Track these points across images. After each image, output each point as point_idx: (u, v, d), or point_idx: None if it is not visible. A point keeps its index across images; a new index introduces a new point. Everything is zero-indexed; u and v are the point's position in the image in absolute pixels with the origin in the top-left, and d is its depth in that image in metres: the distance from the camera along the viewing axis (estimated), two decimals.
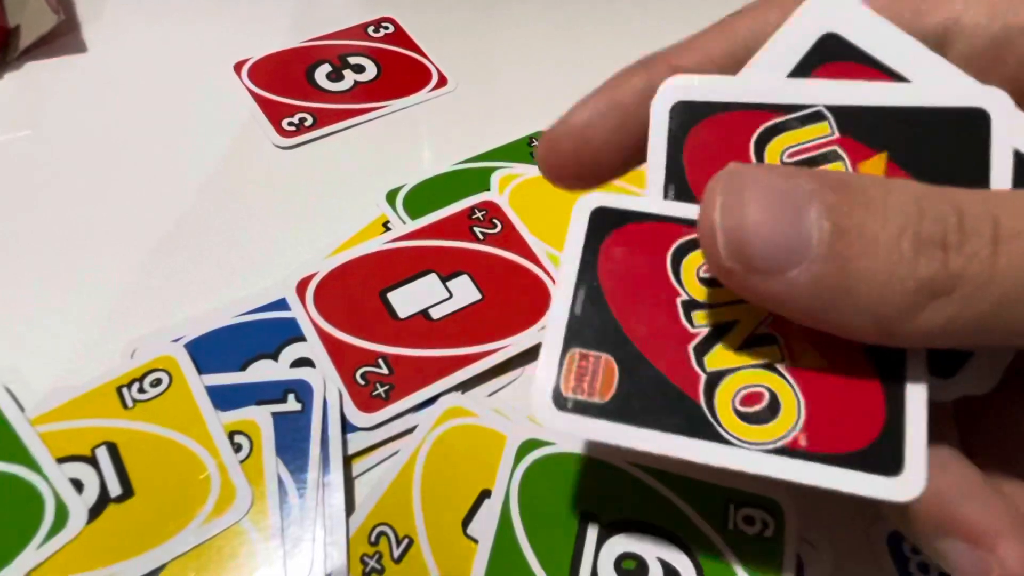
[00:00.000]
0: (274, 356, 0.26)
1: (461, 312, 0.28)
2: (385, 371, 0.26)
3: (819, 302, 0.16)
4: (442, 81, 0.37)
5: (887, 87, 0.19)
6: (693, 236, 0.18)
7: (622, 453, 0.24)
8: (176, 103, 0.36)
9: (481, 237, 0.30)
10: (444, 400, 0.25)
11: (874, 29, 0.20)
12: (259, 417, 0.24)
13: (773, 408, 0.17)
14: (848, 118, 0.19)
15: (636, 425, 0.17)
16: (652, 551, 0.23)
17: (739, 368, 0.18)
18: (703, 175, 0.18)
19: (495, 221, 0.30)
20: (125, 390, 0.24)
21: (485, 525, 0.23)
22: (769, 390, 0.17)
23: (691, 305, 0.18)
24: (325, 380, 0.25)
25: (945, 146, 0.18)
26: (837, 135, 0.19)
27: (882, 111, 0.19)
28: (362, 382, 0.26)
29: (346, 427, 0.25)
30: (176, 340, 0.26)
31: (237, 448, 0.23)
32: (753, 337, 0.18)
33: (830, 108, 0.19)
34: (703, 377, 0.18)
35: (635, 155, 0.21)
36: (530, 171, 0.33)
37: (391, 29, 0.39)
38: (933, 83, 0.19)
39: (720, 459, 0.17)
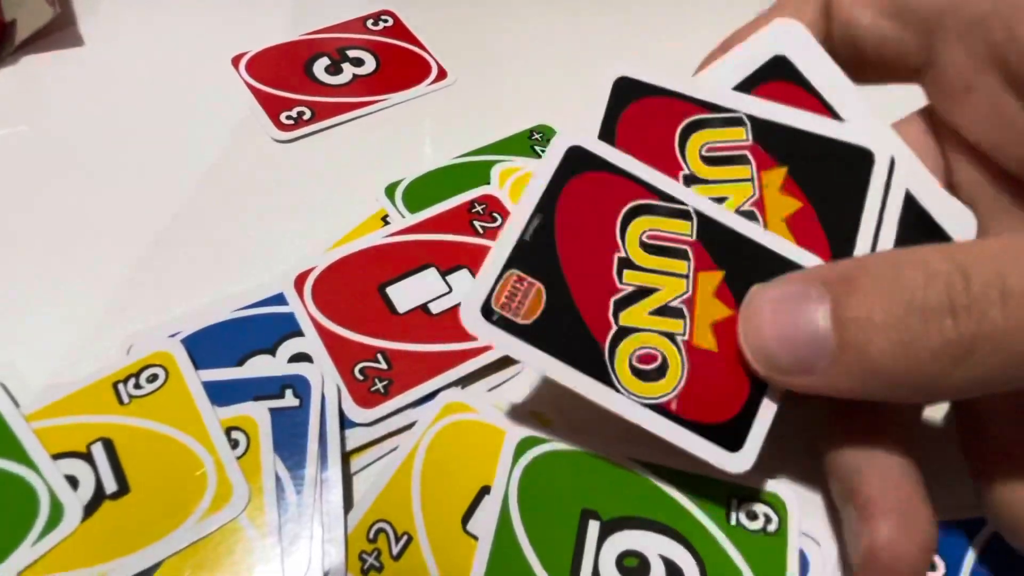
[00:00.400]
0: (272, 351, 0.26)
1: None
2: (384, 366, 0.26)
3: (854, 385, 0.17)
4: (442, 74, 0.36)
5: (805, 114, 0.21)
6: (647, 201, 0.21)
7: (622, 450, 0.24)
8: (173, 97, 0.35)
9: (481, 231, 0.30)
10: (443, 395, 0.25)
11: (818, 60, 0.22)
12: (256, 413, 0.24)
13: (661, 371, 0.20)
14: (764, 130, 0.21)
15: (545, 351, 0.20)
16: (654, 548, 0.22)
17: (646, 330, 0.20)
18: (631, 144, 0.21)
19: (495, 215, 0.30)
20: (121, 386, 0.24)
21: (485, 522, 0.23)
22: (663, 355, 0.20)
23: (625, 263, 0.21)
24: (323, 376, 0.25)
25: (835, 174, 0.21)
26: (751, 142, 0.21)
27: (794, 132, 0.21)
28: (360, 377, 0.25)
29: (344, 423, 0.24)
30: (173, 335, 0.26)
31: (234, 444, 0.23)
32: (666, 307, 0.21)
33: (751, 118, 0.21)
34: (614, 328, 0.20)
35: None
36: (530, 164, 0.33)
37: (390, 22, 0.39)
38: (850, 117, 0.22)
39: (603, 399, 0.20)
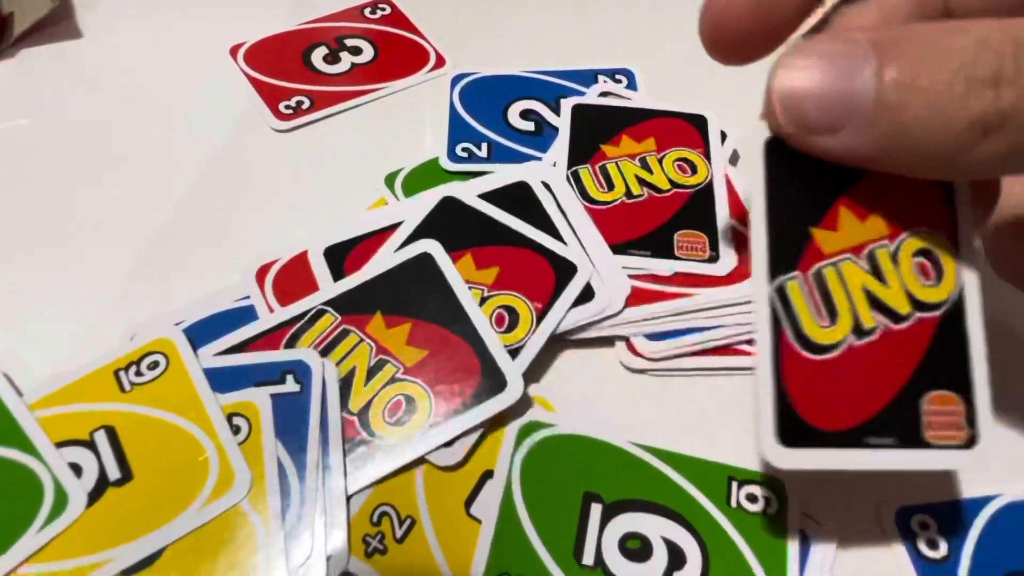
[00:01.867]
0: None
1: None
2: None
3: (879, 152, 0.17)
4: (440, 62, 0.36)
5: (357, 275, 0.26)
6: (290, 332, 0.25)
7: (623, 434, 0.24)
8: (172, 88, 0.35)
9: None
10: None
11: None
12: (257, 399, 0.24)
13: (411, 404, 0.24)
14: (341, 304, 0.26)
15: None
16: (656, 530, 0.23)
17: (374, 396, 0.24)
18: None
19: None
20: (122, 373, 0.24)
21: (488, 505, 0.23)
22: (403, 395, 0.24)
23: None
24: (324, 361, 0.25)
25: (415, 284, 0.27)
26: (340, 318, 0.26)
27: (360, 287, 0.27)
28: None
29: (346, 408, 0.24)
30: (177, 324, 0.26)
31: (236, 430, 0.23)
32: (370, 371, 0.25)
33: (326, 303, 0.26)
34: (354, 419, 0.24)
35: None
36: None
37: (388, 10, 0.39)
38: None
39: (394, 463, 0.23)
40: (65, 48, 0.37)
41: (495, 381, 0.24)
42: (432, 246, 0.27)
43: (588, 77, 0.35)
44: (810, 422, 0.19)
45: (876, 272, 0.20)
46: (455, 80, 0.35)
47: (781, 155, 0.19)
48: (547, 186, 0.30)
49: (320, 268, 0.27)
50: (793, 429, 0.18)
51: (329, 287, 0.27)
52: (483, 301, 0.26)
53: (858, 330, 0.19)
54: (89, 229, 0.30)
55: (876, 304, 0.19)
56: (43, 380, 0.25)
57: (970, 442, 0.19)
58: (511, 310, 0.26)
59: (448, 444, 0.23)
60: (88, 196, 0.31)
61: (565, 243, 0.28)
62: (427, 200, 0.29)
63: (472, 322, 0.26)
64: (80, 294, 0.28)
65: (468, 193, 0.29)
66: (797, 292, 0.20)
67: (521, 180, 0.30)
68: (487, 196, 0.29)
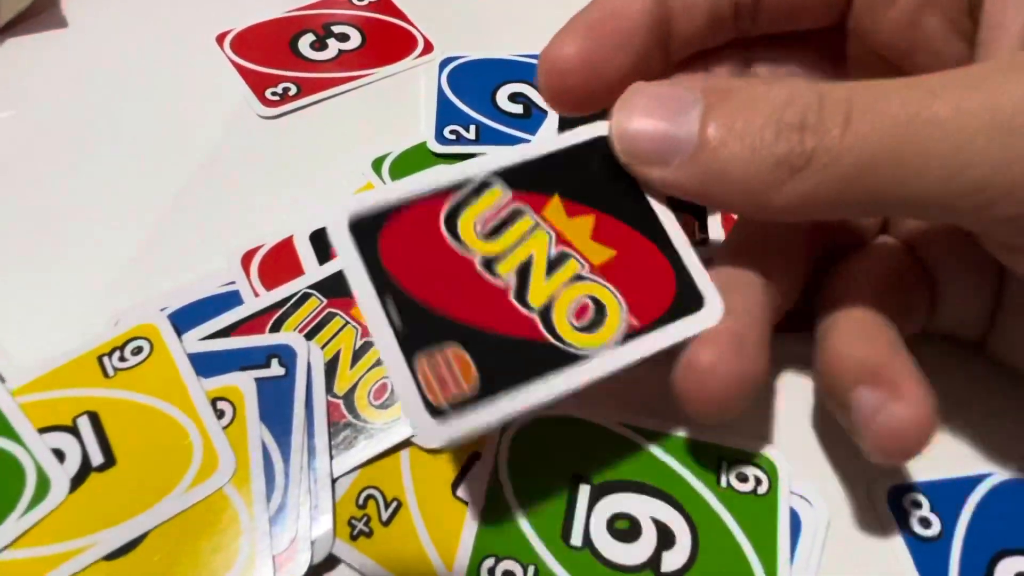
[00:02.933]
0: None
1: None
2: None
3: (701, 185, 0.19)
4: (428, 48, 0.36)
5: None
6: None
7: (611, 415, 0.24)
8: (159, 76, 0.35)
9: None
10: None
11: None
12: (242, 383, 0.23)
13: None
14: (327, 288, 0.24)
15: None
16: (645, 511, 0.22)
17: (359, 379, 0.23)
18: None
19: None
20: (106, 359, 0.24)
21: (475, 488, 0.23)
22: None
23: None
24: (309, 345, 0.24)
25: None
26: (326, 301, 0.24)
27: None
28: None
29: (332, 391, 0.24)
30: (161, 310, 0.26)
31: (220, 415, 0.23)
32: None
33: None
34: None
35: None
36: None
37: None
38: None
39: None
40: (50, 38, 0.37)
41: None
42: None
43: None
44: (384, 260, 0.18)
45: (551, 266, 0.19)
46: (443, 64, 0.35)
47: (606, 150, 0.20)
48: None
49: (306, 252, 0.27)
50: (363, 239, 0.18)
51: (314, 271, 0.26)
52: None
53: (489, 265, 0.19)
54: (74, 215, 0.30)
55: (521, 272, 0.19)
56: (26, 366, 0.24)
57: (437, 411, 0.17)
58: None
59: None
60: (75, 185, 0.31)
61: None
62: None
63: None
64: (64, 280, 0.28)
65: None
66: (491, 198, 0.20)
67: None
68: None
